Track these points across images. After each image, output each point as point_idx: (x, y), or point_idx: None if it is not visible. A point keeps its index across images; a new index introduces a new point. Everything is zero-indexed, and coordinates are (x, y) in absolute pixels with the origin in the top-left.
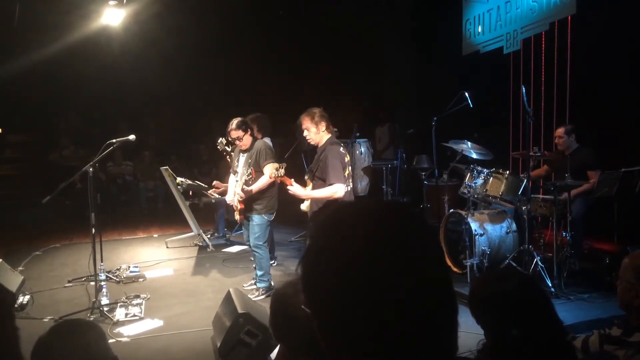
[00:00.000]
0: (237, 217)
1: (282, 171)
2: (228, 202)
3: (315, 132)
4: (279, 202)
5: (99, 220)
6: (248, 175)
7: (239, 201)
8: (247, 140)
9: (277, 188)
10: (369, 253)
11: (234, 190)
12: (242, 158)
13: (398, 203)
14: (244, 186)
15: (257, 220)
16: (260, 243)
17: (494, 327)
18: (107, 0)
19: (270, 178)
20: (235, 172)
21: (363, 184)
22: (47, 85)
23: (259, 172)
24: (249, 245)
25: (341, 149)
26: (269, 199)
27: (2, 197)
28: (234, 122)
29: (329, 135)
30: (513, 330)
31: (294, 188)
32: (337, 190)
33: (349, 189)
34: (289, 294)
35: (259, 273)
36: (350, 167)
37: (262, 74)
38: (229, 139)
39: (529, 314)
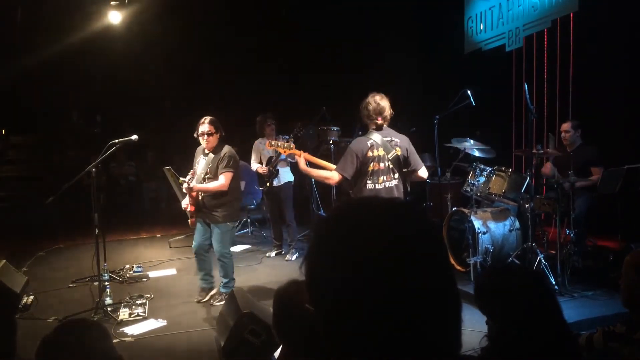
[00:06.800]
0: (191, 220)
1: (290, 144)
2: (183, 207)
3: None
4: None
5: (103, 221)
6: (206, 177)
7: (191, 204)
8: (214, 140)
9: (239, 195)
10: (372, 250)
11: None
12: (204, 160)
13: (401, 201)
14: (197, 184)
15: (223, 228)
16: (227, 252)
17: (496, 319)
18: (110, 1)
19: (282, 152)
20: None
21: None
22: (50, 87)
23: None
24: (194, 249)
25: (369, 142)
26: (229, 206)
27: (5, 198)
28: (207, 117)
29: (371, 131)
30: (511, 329)
31: (301, 159)
32: (332, 176)
33: (377, 186)
34: (292, 292)
35: (225, 280)
36: (383, 164)
37: (265, 74)
38: (196, 134)
39: (534, 310)
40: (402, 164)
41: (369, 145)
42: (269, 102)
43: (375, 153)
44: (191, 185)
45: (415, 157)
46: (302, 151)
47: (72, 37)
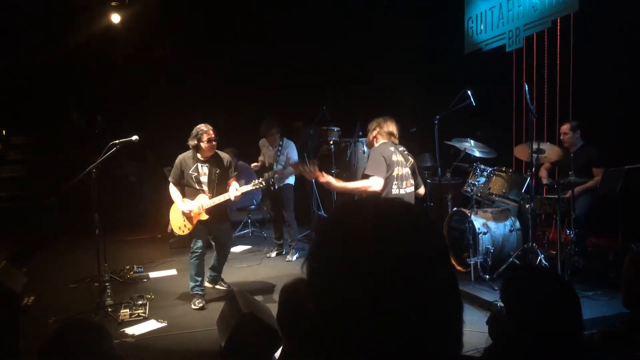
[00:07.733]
0: (182, 226)
1: (316, 170)
2: (186, 211)
3: (371, 137)
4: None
5: (103, 221)
6: (257, 185)
7: (207, 211)
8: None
9: None
10: (372, 250)
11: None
12: (204, 168)
13: (402, 202)
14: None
15: (229, 225)
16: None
17: (521, 315)
18: (110, 1)
19: (307, 176)
20: (198, 182)
21: None
22: (50, 86)
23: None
24: (197, 252)
25: (392, 147)
26: (227, 205)
27: (6, 199)
28: (207, 124)
29: (384, 141)
30: (534, 326)
31: (328, 178)
32: (373, 183)
33: (401, 192)
34: (298, 290)
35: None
36: (405, 169)
37: (266, 73)
38: (196, 141)
39: (560, 312)
40: (415, 174)
41: (392, 150)
42: (270, 102)
43: (399, 158)
44: (237, 194)
45: (417, 177)
46: (323, 172)
47: (73, 37)
